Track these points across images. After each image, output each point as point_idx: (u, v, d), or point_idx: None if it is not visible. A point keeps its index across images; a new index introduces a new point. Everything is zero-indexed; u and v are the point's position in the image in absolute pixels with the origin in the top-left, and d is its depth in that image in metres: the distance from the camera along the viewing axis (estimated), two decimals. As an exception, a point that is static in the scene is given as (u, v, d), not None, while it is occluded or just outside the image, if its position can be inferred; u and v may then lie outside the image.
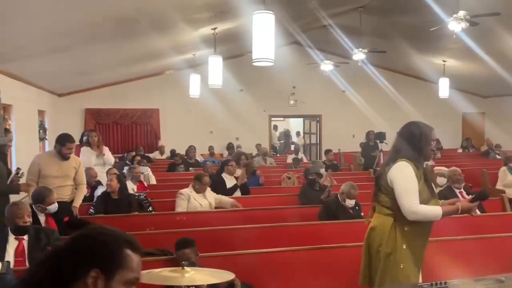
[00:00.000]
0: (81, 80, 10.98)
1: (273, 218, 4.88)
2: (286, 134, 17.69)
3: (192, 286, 2.49)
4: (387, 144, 9.35)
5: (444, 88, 12.04)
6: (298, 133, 17.24)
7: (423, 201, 2.66)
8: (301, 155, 11.70)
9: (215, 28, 8.36)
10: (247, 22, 5.66)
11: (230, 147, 12.30)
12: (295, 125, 17.70)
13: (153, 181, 7.61)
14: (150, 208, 5.52)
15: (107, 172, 6.00)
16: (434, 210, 2.64)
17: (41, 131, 9.72)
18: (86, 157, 6.12)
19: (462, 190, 5.09)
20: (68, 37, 6.70)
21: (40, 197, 4.05)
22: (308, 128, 15.86)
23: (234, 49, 11.60)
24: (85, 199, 5.58)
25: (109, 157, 6.36)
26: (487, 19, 6.83)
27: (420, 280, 2.63)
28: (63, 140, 4.60)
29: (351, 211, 4.90)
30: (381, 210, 2.79)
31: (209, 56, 8.90)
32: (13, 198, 4.46)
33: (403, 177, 2.68)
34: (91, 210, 5.15)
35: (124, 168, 7.22)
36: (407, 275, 2.64)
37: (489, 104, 14.95)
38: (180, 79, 12.09)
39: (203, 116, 12.73)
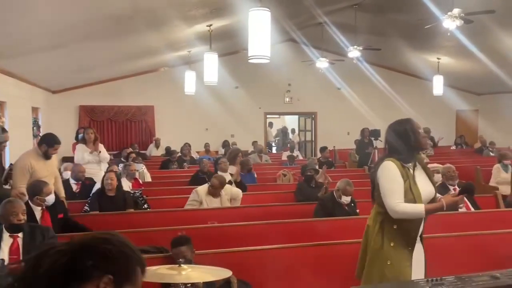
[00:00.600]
0: (75, 77, 10.92)
1: (268, 215, 4.89)
2: (284, 131, 17.70)
3: (189, 283, 2.49)
4: (381, 141, 9.37)
5: (438, 85, 12.09)
6: (293, 130, 17.26)
7: (409, 201, 2.63)
8: (296, 152, 11.72)
9: (210, 25, 8.33)
10: (243, 19, 5.65)
11: (225, 144, 12.29)
12: (290, 123, 17.71)
13: (148, 178, 7.59)
14: (146, 206, 5.51)
15: (106, 170, 5.98)
16: (415, 208, 2.60)
17: (35, 128, 9.66)
18: (80, 154, 6.10)
19: (456, 187, 5.12)
20: (63, 34, 6.66)
21: (37, 189, 4.05)
22: (303, 126, 15.89)
23: (230, 46, 11.58)
24: (76, 196, 5.59)
25: (105, 155, 6.34)
26: (481, 16, 6.86)
27: (417, 277, 2.63)
28: (51, 141, 4.60)
29: (346, 208, 4.91)
30: (376, 208, 2.81)
31: (204, 53, 8.88)
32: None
33: (387, 176, 2.68)
34: (86, 208, 5.13)
35: (119, 165, 7.20)
36: (393, 272, 2.64)
37: (482, 102, 15.03)
38: (175, 76, 12.05)
39: (199, 113, 12.70)
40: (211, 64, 8.69)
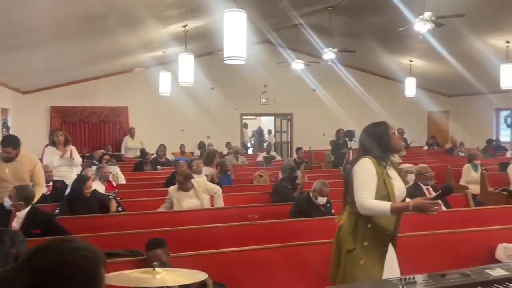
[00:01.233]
0: (46, 77, 10.66)
1: (245, 216, 4.88)
2: (259, 132, 17.72)
3: (163, 287, 2.45)
4: (356, 142, 9.50)
5: (410, 87, 12.35)
6: (269, 131, 17.31)
7: (382, 197, 2.65)
8: (273, 153, 11.75)
9: (185, 26, 8.27)
10: (218, 20, 5.63)
11: (201, 145, 12.22)
12: (267, 124, 17.76)
13: (122, 180, 7.47)
14: (120, 209, 5.42)
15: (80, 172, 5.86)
16: (381, 205, 2.61)
17: (4, 130, 9.38)
18: (49, 157, 5.95)
19: (429, 187, 5.22)
20: (33, 33, 6.49)
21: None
22: (279, 126, 15.95)
23: (206, 46, 11.53)
24: (47, 199, 5.44)
25: (78, 160, 6.19)
26: (452, 20, 7.04)
27: (390, 276, 2.66)
28: (2, 143, 4.50)
29: (322, 208, 4.95)
30: (349, 208, 2.83)
31: (179, 54, 8.81)
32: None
33: (362, 171, 2.70)
34: (57, 211, 5.00)
35: (92, 167, 7.06)
36: (366, 272, 2.66)
37: (453, 103, 15.43)
38: (150, 77, 11.92)
39: (174, 115, 12.58)
40: (187, 65, 8.62)
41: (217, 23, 6.53)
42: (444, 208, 4.95)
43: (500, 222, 4.24)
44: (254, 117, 17.06)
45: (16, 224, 3.97)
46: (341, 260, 2.80)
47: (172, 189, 5.33)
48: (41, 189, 4.75)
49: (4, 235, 3.39)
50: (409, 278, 2.35)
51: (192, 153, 11.99)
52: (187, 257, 3.32)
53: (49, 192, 5.67)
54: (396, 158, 8.97)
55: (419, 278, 2.37)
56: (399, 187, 2.76)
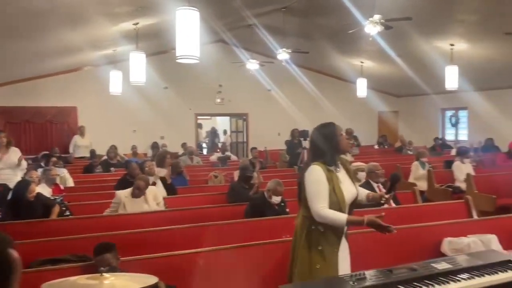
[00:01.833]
0: (-13, 75, 10.09)
1: (200, 217, 4.81)
2: (213, 132, 17.61)
3: (112, 293, 2.36)
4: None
5: (361, 88, 12.70)
6: (225, 132, 17.25)
7: (332, 203, 2.71)
8: (228, 153, 11.70)
9: (137, 23, 8.08)
10: (170, 18, 5.52)
11: (154, 146, 11.98)
12: (222, 124, 17.69)
13: (70, 183, 7.18)
14: (68, 212, 5.20)
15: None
16: (338, 216, 2.66)
17: None
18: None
19: (380, 184, 5.36)
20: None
21: None
22: (235, 127, 15.93)
23: (158, 45, 11.32)
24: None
25: (23, 165, 5.89)
26: (400, 23, 7.28)
27: (343, 273, 2.70)
28: None
29: (277, 207, 4.97)
30: (302, 212, 2.85)
31: (130, 52, 8.59)
32: None
33: (313, 180, 2.74)
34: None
35: (38, 170, 6.73)
36: (322, 275, 2.69)
37: (402, 103, 16.02)
38: (100, 76, 11.54)
39: (126, 115, 12.26)
40: (138, 64, 8.42)
41: (169, 22, 6.40)
42: (393, 204, 5.10)
43: (446, 217, 4.42)
44: (209, 117, 16.95)
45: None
46: (298, 261, 2.82)
47: (122, 193, 5.15)
48: None
49: None
50: (359, 274, 2.40)
51: (145, 154, 11.73)
52: (138, 261, 3.22)
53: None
54: (348, 157, 9.19)
55: (368, 274, 2.42)
56: (349, 190, 2.81)
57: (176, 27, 4.86)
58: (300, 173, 2.94)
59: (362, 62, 12.45)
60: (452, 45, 9.46)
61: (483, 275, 2.55)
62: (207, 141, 17.57)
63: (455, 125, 14.43)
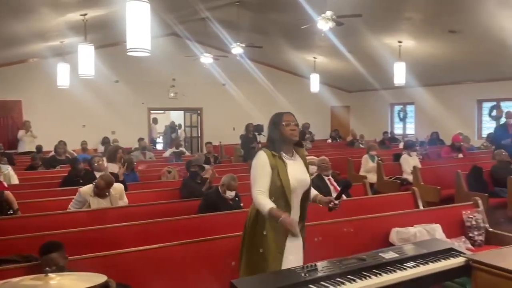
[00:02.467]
0: None
1: (153, 214, 4.72)
2: (172, 127, 17.30)
3: (58, 293, 2.27)
4: (265, 136, 9.71)
5: (315, 83, 12.93)
6: (179, 126, 17.01)
7: (276, 188, 2.72)
8: (182, 148, 11.57)
9: (85, 14, 7.79)
10: (120, 10, 5.38)
11: (105, 141, 11.64)
12: (176, 118, 17.42)
13: (15, 180, 6.83)
14: (11, 211, 4.95)
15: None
16: (265, 204, 2.66)
17: None
18: None
19: (330, 177, 5.50)
20: None
21: None
22: (189, 121, 15.75)
23: (108, 37, 10.98)
24: None
25: None
26: (351, 20, 7.46)
27: (296, 265, 2.73)
28: None
29: (231, 202, 4.97)
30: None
31: (79, 44, 8.27)
32: None
33: (256, 165, 2.79)
34: None
35: (-21, 167, 6.37)
36: (265, 260, 2.72)
37: (353, 98, 16.46)
38: (46, 68, 11.06)
39: (75, 109, 11.84)
40: (87, 56, 8.13)
41: (119, 13, 6.24)
42: (345, 197, 5.25)
43: (394, 208, 4.58)
44: (162, 111, 16.67)
45: None
46: (244, 248, 2.86)
47: (86, 191, 4.97)
48: None
49: None
50: (311, 266, 2.45)
51: (95, 150, 11.38)
52: (87, 259, 3.12)
53: None
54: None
55: (320, 265, 2.48)
56: (296, 177, 2.80)
57: (126, 20, 4.75)
58: (250, 161, 2.97)
59: (315, 58, 12.66)
60: (400, 42, 9.80)
61: (427, 263, 2.68)
62: (164, 136, 17.21)
63: (403, 119, 15.03)
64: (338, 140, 14.54)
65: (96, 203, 4.94)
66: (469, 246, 4.07)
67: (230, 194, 4.95)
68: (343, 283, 2.36)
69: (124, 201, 5.31)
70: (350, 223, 4.02)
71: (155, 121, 15.18)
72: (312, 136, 13.08)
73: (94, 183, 5.01)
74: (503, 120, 9.58)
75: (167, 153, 10.41)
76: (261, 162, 2.76)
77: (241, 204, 5.04)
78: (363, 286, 2.38)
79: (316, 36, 9.18)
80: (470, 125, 12.28)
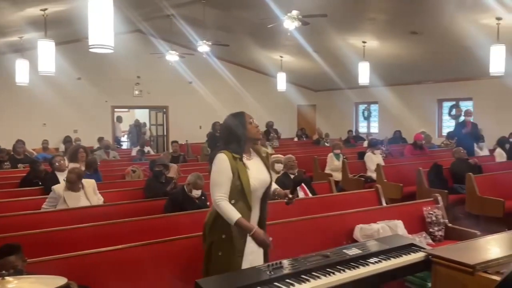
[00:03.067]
0: None
1: (117, 214, 4.62)
2: (137, 126, 16.98)
3: (15, 298, 2.19)
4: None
5: (281, 82, 13.00)
6: (144, 125, 16.72)
7: (236, 190, 2.71)
8: (147, 148, 11.38)
9: (45, 9, 7.52)
10: (82, 5, 5.21)
11: (67, 140, 11.31)
12: (141, 117, 17.12)
13: (-29, 181, 6.54)
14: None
15: None
16: (231, 214, 2.65)
17: None
18: None
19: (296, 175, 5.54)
20: None
21: None
22: (154, 120, 15.53)
23: (70, 33, 10.65)
24: None
25: None
26: (317, 19, 7.55)
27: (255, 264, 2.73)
28: None
29: (197, 201, 4.93)
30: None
31: (38, 40, 7.98)
32: None
33: (217, 169, 2.75)
34: None
35: None
36: (226, 263, 2.72)
37: (319, 97, 16.67)
38: (4, 65, 10.67)
39: (35, 107, 11.45)
40: (47, 52, 7.84)
41: (81, 9, 6.04)
42: (310, 195, 5.31)
43: (358, 205, 4.67)
44: (127, 109, 16.35)
45: None
46: (206, 251, 2.85)
47: (59, 188, 5.02)
48: None
49: None
50: (276, 264, 2.46)
51: (57, 149, 11.04)
52: (47, 262, 3.02)
53: None
54: (269, 149, 9.38)
55: (285, 262, 2.49)
56: (256, 177, 2.80)
57: (89, 15, 4.63)
58: (209, 162, 2.93)
59: (281, 57, 12.73)
60: (364, 42, 9.99)
61: (389, 258, 2.74)
62: (129, 135, 16.86)
63: (367, 118, 15.35)
64: (304, 139, 14.69)
65: (72, 197, 4.96)
66: (430, 241, 4.19)
67: (196, 193, 4.91)
68: (308, 280, 2.39)
69: (99, 197, 5.27)
70: (315, 220, 4.07)
71: (119, 119, 14.87)
72: (278, 133, 13.17)
73: (64, 180, 5.06)
74: (462, 118, 9.95)
75: (134, 152, 10.22)
76: (223, 166, 2.72)
77: (207, 203, 5.01)
78: (328, 282, 2.41)
79: (283, 35, 9.24)
80: (431, 124, 12.67)
